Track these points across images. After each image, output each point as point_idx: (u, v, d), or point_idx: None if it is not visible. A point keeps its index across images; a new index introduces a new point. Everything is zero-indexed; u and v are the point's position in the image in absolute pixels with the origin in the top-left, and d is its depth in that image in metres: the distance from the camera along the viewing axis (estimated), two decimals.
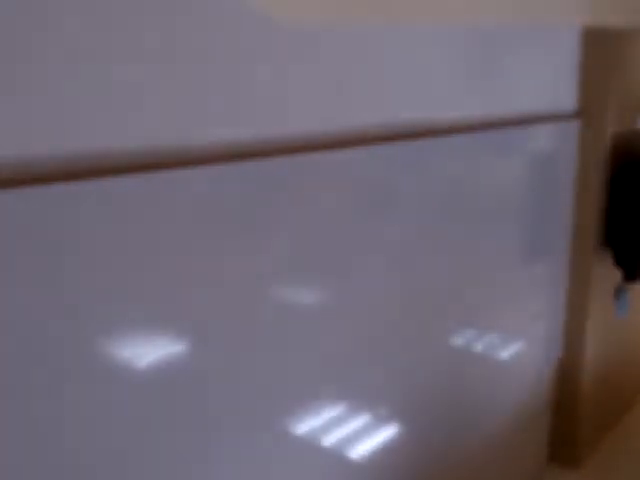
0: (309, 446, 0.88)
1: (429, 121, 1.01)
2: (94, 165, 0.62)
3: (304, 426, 0.86)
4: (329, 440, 0.90)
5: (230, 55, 0.72)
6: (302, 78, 0.80)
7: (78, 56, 0.60)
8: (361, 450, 0.96)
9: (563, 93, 1.33)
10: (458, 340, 1.13)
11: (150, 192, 0.65)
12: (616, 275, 1.55)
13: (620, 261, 1.46)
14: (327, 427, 0.90)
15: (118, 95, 0.63)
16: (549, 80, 1.28)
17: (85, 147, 0.61)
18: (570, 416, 1.49)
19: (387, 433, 1.01)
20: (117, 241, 0.63)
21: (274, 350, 0.80)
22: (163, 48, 0.66)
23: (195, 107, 0.69)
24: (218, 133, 0.72)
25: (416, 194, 0.98)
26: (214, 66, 0.71)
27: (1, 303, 0.56)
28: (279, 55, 0.77)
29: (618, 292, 1.55)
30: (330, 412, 0.90)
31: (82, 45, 0.60)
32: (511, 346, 1.29)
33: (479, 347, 1.19)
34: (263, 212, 0.76)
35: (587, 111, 1.37)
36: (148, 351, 0.67)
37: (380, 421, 0.99)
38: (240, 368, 0.77)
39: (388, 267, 0.95)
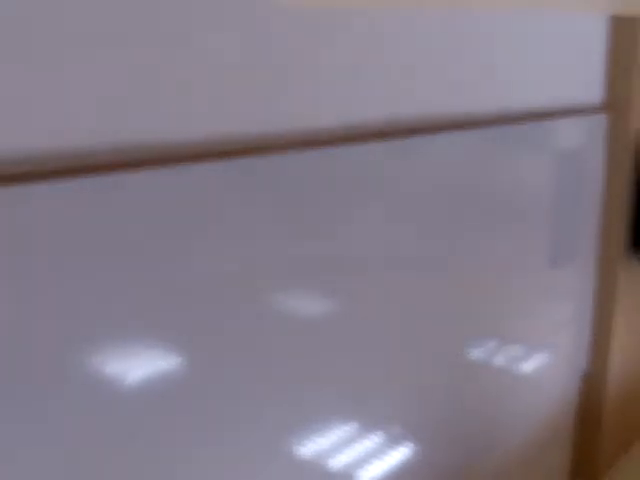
0: (317, 468, 0.81)
1: (450, 114, 0.94)
2: (86, 163, 0.56)
3: (311, 446, 0.80)
4: (340, 461, 0.84)
5: (222, 49, 0.65)
6: (308, 70, 0.73)
7: (60, 53, 0.52)
8: (375, 471, 0.90)
9: (590, 85, 1.26)
10: (478, 352, 1.06)
11: (142, 191, 0.59)
12: None
13: None
14: (337, 447, 0.83)
15: (103, 93, 0.56)
16: (576, 72, 1.21)
17: (72, 145, 0.54)
18: (593, 433, 1.43)
19: (403, 451, 0.94)
20: (110, 246, 0.56)
21: (278, 364, 0.74)
22: (156, 45, 0.59)
23: (191, 103, 0.63)
24: (210, 129, 0.65)
25: (435, 193, 0.91)
26: (205, 59, 0.64)
27: None
28: (281, 47, 0.70)
29: None
30: (341, 431, 0.83)
31: (66, 41, 0.53)
32: (534, 359, 1.22)
33: (500, 360, 1.12)
34: (263, 212, 0.69)
35: (614, 105, 1.29)
36: (144, 361, 0.62)
37: (395, 439, 0.93)
38: (240, 383, 0.70)
39: (403, 273, 0.88)
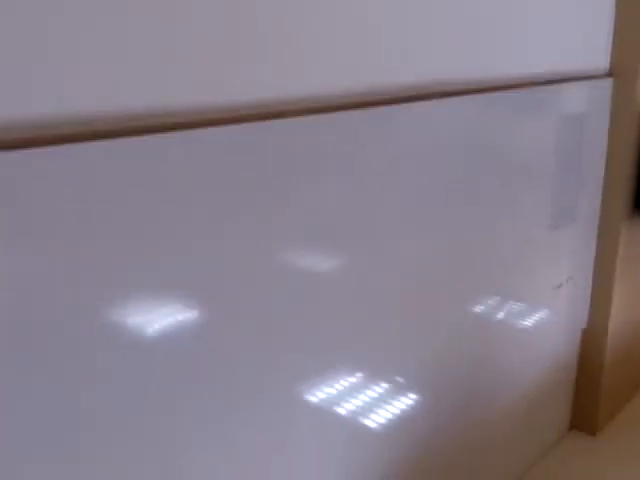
0: (325, 415, 0.87)
1: (453, 80, 0.97)
2: (98, 127, 0.60)
3: (319, 395, 0.85)
4: (344, 410, 0.90)
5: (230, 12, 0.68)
6: (302, 33, 0.77)
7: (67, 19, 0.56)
8: (380, 420, 0.95)
9: (596, 51, 1.28)
10: (481, 308, 1.11)
11: (159, 153, 0.63)
12: None
13: None
14: (342, 396, 0.89)
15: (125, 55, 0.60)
16: (581, 37, 1.23)
17: (88, 107, 0.59)
18: (592, 387, 1.48)
19: (406, 402, 1.00)
20: (126, 206, 0.61)
21: (288, 318, 0.79)
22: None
23: (208, 66, 0.66)
24: (224, 94, 0.69)
25: (440, 156, 0.95)
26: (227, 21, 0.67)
27: (8, 268, 0.54)
28: (283, 12, 0.73)
29: None
30: (346, 381, 0.88)
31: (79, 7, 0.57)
32: (537, 314, 1.27)
33: (503, 315, 1.17)
34: (276, 176, 0.74)
35: (620, 71, 1.31)
36: (157, 318, 0.66)
37: (399, 390, 0.98)
38: (254, 336, 0.75)
39: (408, 232, 0.93)
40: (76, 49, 0.56)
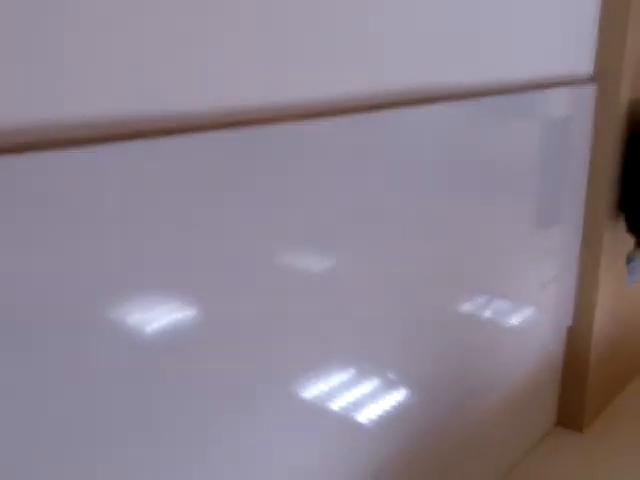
0: (318, 411, 0.89)
1: (437, 86, 1.00)
2: (97, 129, 0.62)
3: (313, 392, 0.87)
4: (336, 405, 0.91)
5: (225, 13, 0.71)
6: (306, 39, 0.79)
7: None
8: (370, 415, 0.97)
9: (579, 56, 1.31)
10: (469, 307, 1.13)
11: (159, 156, 0.64)
12: (628, 242, 1.54)
13: (633, 228, 1.44)
14: (335, 393, 0.91)
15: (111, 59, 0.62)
16: (565, 42, 1.26)
17: (89, 110, 0.61)
18: (578, 384, 1.50)
19: (396, 398, 1.02)
20: (124, 207, 0.63)
21: (285, 317, 0.80)
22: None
23: (196, 71, 0.68)
24: (218, 97, 0.71)
25: (426, 161, 0.97)
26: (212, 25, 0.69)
27: (9, 266, 0.56)
28: (280, 16, 0.76)
29: (629, 259, 1.54)
30: (338, 378, 0.90)
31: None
32: (523, 313, 1.29)
33: (490, 314, 1.19)
34: (274, 178, 0.76)
35: (603, 76, 1.34)
36: (155, 317, 0.67)
37: (389, 386, 1.00)
38: (248, 335, 0.77)
39: (399, 233, 0.95)
40: (78, 51, 0.58)
